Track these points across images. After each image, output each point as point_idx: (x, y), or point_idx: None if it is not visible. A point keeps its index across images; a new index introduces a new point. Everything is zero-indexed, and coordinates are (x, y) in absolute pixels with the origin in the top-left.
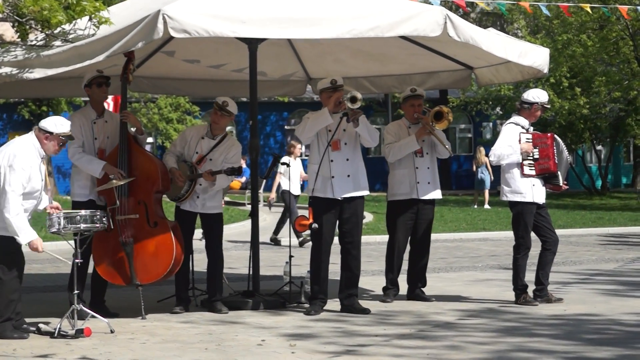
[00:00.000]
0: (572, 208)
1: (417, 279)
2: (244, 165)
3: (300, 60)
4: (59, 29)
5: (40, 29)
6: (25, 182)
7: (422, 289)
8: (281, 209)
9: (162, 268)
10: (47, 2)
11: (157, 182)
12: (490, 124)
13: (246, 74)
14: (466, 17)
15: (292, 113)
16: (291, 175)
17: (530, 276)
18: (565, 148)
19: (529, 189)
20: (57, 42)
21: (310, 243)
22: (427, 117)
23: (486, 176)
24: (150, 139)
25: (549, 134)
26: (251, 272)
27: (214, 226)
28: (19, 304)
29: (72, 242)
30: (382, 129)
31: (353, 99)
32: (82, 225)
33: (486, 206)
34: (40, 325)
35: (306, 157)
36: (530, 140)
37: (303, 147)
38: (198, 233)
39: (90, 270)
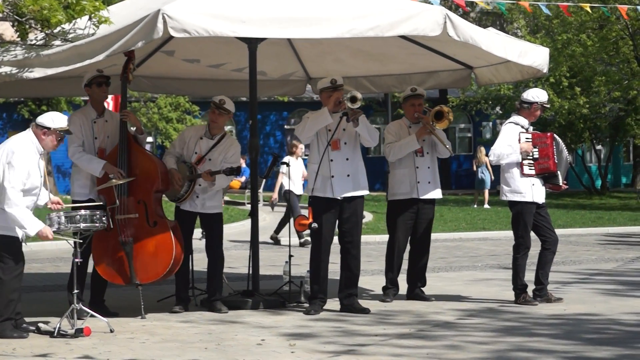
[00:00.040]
0: (572, 208)
1: (417, 278)
2: (243, 165)
3: (300, 59)
4: (58, 28)
5: (40, 29)
6: (24, 179)
7: (422, 288)
8: (284, 209)
9: (161, 268)
10: (46, 2)
11: (157, 182)
12: (490, 123)
13: (246, 74)
14: (466, 16)
15: (291, 113)
16: (293, 174)
17: (530, 276)
18: (564, 148)
19: (529, 189)
20: (57, 42)
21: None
22: (428, 116)
23: (486, 176)
24: (150, 139)
25: (548, 134)
26: (251, 272)
27: (214, 226)
28: (18, 304)
29: (72, 241)
30: (381, 129)
31: (353, 99)
32: (82, 225)
33: (486, 206)
34: (40, 324)
35: (307, 157)
36: (530, 140)
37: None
38: (198, 233)
39: (90, 269)
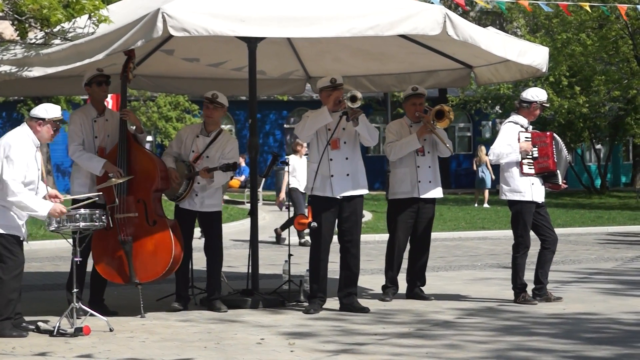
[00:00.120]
0: (571, 207)
1: (417, 277)
2: (243, 164)
3: (299, 59)
4: (58, 27)
5: (39, 28)
6: (24, 171)
7: (421, 287)
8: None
9: (161, 267)
10: (46, 1)
11: (156, 181)
12: (490, 122)
13: (245, 73)
14: (465, 15)
15: (291, 112)
16: (298, 173)
17: (529, 275)
18: (564, 147)
19: (528, 188)
20: (57, 41)
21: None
22: (429, 115)
23: (487, 175)
24: (149, 138)
25: (548, 133)
26: (250, 271)
27: (213, 224)
28: (18, 304)
29: (71, 240)
30: (381, 128)
31: (353, 98)
32: (81, 224)
33: (485, 205)
34: (40, 323)
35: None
36: (530, 139)
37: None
38: (197, 232)
39: (89, 268)
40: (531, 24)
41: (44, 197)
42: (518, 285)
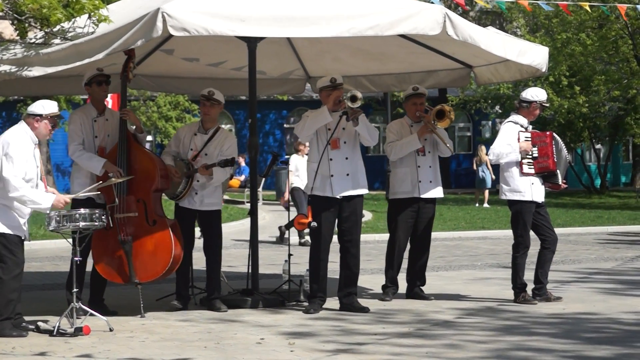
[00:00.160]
0: (571, 207)
1: (417, 277)
2: (242, 164)
3: (299, 58)
4: (58, 27)
5: (39, 27)
6: (24, 168)
7: (421, 287)
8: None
9: (160, 266)
10: (46, 0)
11: (156, 181)
12: (490, 122)
13: (245, 72)
14: (465, 15)
15: (291, 111)
16: (301, 172)
17: (529, 275)
18: (564, 147)
19: (528, 188)
20: (57, 40)
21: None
22: (429, 115)
23: (487, 175)
24: (149, 137)
25: (548, 133)
26: (250, 271)
27: (212, 223)
28: (18, 304)
29: (71, 240)
30: (381, 128)
31: (353, 98)
32: (81, 224)
33: (485, 205)
34: (39, 323)
35: None
36: (529, 139)
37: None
38: (197, 231)
39: (89, 268)
40: (531, 23)
41: None
42: (518, 285)
